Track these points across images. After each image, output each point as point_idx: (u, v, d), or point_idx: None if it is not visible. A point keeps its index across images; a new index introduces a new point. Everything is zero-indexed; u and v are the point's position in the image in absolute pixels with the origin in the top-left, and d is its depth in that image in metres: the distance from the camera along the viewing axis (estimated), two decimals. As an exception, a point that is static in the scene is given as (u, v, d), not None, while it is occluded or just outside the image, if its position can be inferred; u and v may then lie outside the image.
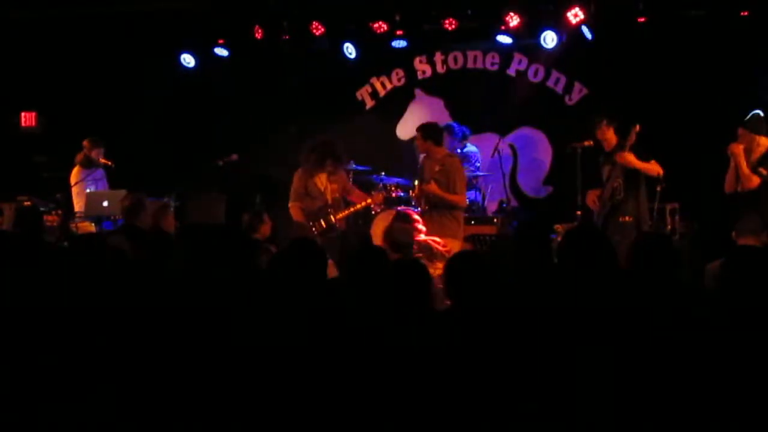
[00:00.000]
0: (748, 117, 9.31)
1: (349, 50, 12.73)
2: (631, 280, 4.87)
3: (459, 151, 11.76)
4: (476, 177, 11.93)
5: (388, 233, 7.73)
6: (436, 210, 9.63)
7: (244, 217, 9.35)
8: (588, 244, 4.95)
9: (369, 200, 10.12)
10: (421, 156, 10.33)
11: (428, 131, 9.91)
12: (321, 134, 10.60)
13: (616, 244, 8.98)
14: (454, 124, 11.92)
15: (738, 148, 9.16)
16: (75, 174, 11.68)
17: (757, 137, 9.12)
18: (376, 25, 12.40)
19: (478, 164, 12.06)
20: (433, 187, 9.61)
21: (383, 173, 11.49)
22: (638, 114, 9.84)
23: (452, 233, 9.53)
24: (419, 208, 10.10)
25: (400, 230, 7.88)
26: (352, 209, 10.03)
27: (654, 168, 9.40)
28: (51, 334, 4.31)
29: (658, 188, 9.46)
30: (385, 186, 10.53)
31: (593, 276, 4.75)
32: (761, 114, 9.33)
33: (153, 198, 10.82)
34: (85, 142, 11.73)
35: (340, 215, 9.82)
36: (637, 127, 9.46)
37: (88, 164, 11.68)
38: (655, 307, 4.43)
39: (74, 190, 11.60)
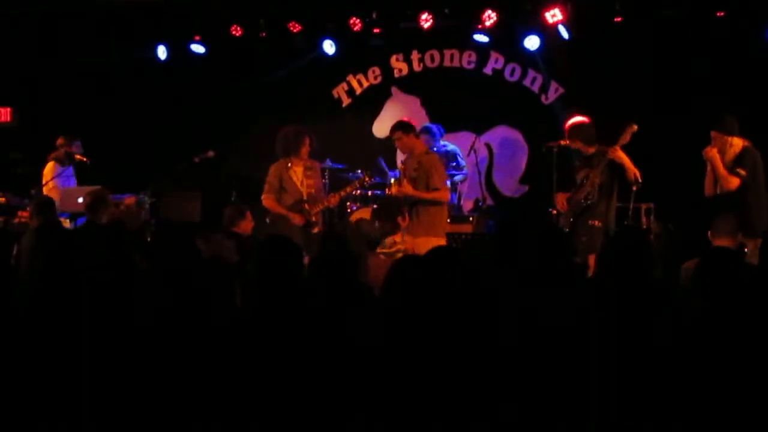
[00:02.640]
0: (718, 119, 9.28)
1: (327, 48, 12.71)
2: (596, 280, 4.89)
3: (442, 149, 11.81)
4: (464, 178, 12.00)
5: (355, 230, 7.67)
6: (421, 205, 9.54)
7: (226, 210, 9.32)
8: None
9: (326, 202, 10.04)
10: (403, 156, 10.28)
11: (407, 127, 9.85)
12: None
13: (582, 245, 9.10)
14: (432, 126, 11.94)
15: (712, 152, 9.16)
16: (49, 170, 11.60)
17: (729, 138, 9.11)
18: (352, 23, 12.41)
19: (464, 163, 12.06)
20: (406, 189, 9.52)
21: (359, 171, 11.47)
22: (613, 113, 9.85)
23: (434, 232, 9.45)
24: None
25: (365, 224, 7.84)
26: (326, 203, 9.97)
27: (637, 173, 9.38)
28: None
29: (634, 188, 9.47)
30: (361, 181, 10.45)
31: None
32: (731, 115, 9.31)
33: (128, 195, 10.82)
34: (60, 140, 11.66)
35: (316, 209, 9.76)
36: (634, 127, 9.42)
37: (66, 160, 11.62)
38: (624, 307, 4.43)
39: (48, 186, 11.53)
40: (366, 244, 7.42)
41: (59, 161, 11.61)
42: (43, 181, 11.48)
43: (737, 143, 9.10)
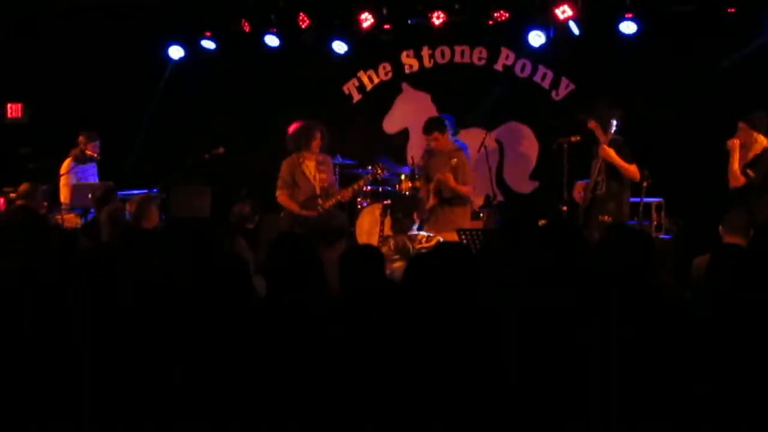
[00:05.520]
0: (750, 112, 9.26)
1: (339, 46, 12.71)
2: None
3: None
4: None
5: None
6: (447, 204, 9.61)
7: (241, 207, 9.34)
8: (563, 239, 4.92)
9: (339, 196, 10.03)
10: (422, 150, 10.30)
11: (443, 126, 9.93)
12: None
13: (595, 240, 9.07)
14: (449, 117, 11.94)
15: (734, 144, 9.14)
16: (66, 165, 11.66)
17: (756, 134, 9.10)
18: (363, 19, 12.39)
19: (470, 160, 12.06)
20: (449, 177, 9.60)
21: (369, 167, 11.46)
22: (624, 109, 9.83)
23: (450, 228, 9.53)
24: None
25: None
26: (338, 197, 9.97)
27: (632, 171, 9.33)
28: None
29: (644, 184, 9.46)
30: (374, 174, 10.46)
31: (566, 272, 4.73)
32: (762, 111, 9.28)
33: (138, 190, 10.84)
34: (81, 138, 11.72)
35: (329, 203, 9.77)
36: (614, 122, 9.41)
37: (83, 160, 11.68)
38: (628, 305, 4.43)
39: (62, 181, 11.59)
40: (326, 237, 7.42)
41: (75, 158, 11.67)
42: (60, 175, 11.55)
43: (762, 141, 9.08)
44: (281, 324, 4.32)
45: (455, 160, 9.70)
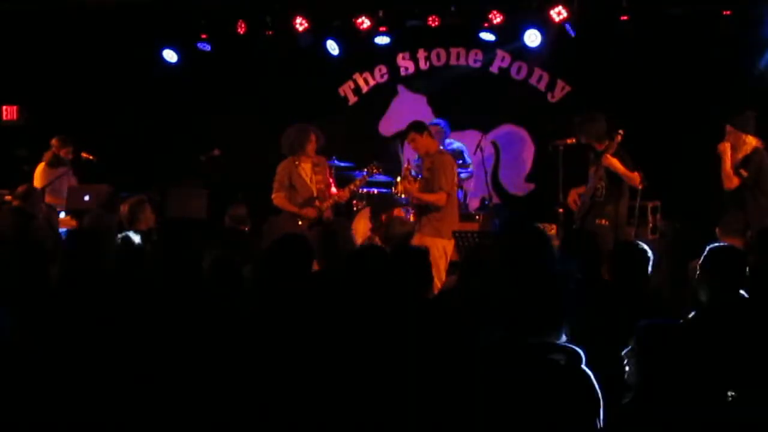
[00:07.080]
0: (736, 114, 9.25)
1: (332, 46, 12.71)
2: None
3: (448, 147, 11.80)
4: (469, 176, 11.99)
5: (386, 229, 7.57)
6: (426, 209, 9.55)
7: (236, 209, 9.34)
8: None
9: (336, 197, 10.00)
10: (410, 155, 10.29)
11: (419, 127, 9.80)
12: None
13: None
14: (440, 121, 11.92)
15: (725, 147, 9.13)
16: (41, 173, 11.62)
17: (744, 135, 9.08)
18: (359, 21, 12.39)
19: (470, 161, 12.06)
20: (409, 186, 9.54)
21: (365, 170, 11.43)
22: (620, 111, 9.84)
23: (440, 234, 9.44)
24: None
25: (398, 221, 7.76)
26: (336, 197, 9.93)
27: (635, 179, 9.32)
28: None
29: (640, 186, 9.46)
30: (370, 171, 10.40)
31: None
32: (750, 111, 9.27)
33: (135, 192, 10.82)
34: (53, 141, 11.68)
35: (327, 204, 9.74)
36: (619, 135, 9.40)
37: (56, 163, 11.64)
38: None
39: (49, 187, 11.56)
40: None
41: (49, 164, 11.64)
42: (42, 184, 11.50)
43: (751, 142, 9.07)
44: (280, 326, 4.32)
45: (431, 164, 9.58)
